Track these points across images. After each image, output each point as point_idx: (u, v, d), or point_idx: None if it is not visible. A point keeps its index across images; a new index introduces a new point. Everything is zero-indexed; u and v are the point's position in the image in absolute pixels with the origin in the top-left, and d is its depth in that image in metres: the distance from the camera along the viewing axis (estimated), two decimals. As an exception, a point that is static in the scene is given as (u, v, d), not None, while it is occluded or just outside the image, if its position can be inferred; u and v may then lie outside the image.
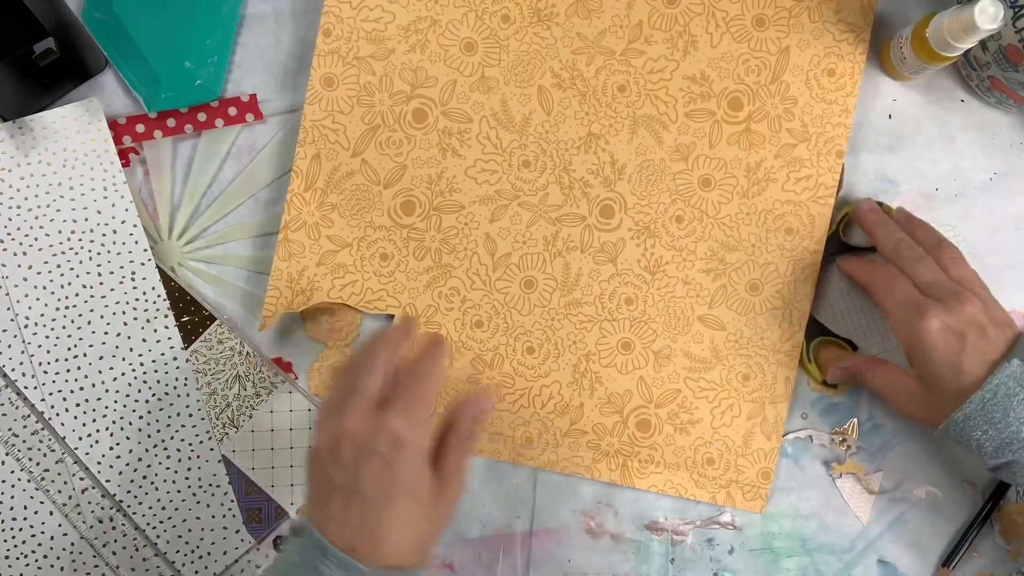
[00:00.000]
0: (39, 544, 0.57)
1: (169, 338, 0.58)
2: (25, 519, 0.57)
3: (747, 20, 0.57)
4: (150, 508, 0.57)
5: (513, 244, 0.58)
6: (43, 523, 0.57)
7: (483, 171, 0.57)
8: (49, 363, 0.57)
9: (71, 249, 0.58)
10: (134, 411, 0.58)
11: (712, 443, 0.59)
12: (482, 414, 0.46)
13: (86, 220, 0.58)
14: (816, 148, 0.57)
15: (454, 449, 0.45)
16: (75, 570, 0.57)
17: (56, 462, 0.57)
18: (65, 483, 0.57)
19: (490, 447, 0.59)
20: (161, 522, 0.58)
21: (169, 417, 0.58)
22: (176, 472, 0.58)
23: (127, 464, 0.58)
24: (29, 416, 0.57)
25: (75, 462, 0.57)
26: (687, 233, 0.58)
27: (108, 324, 0.58)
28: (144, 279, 0.58)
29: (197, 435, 0.58)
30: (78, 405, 0.57)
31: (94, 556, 0.57)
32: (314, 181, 0.56)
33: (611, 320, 0.58)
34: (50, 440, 0.57)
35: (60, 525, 0.57)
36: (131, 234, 0.58)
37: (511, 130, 0.57)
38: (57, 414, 0.57)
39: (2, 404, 0.57)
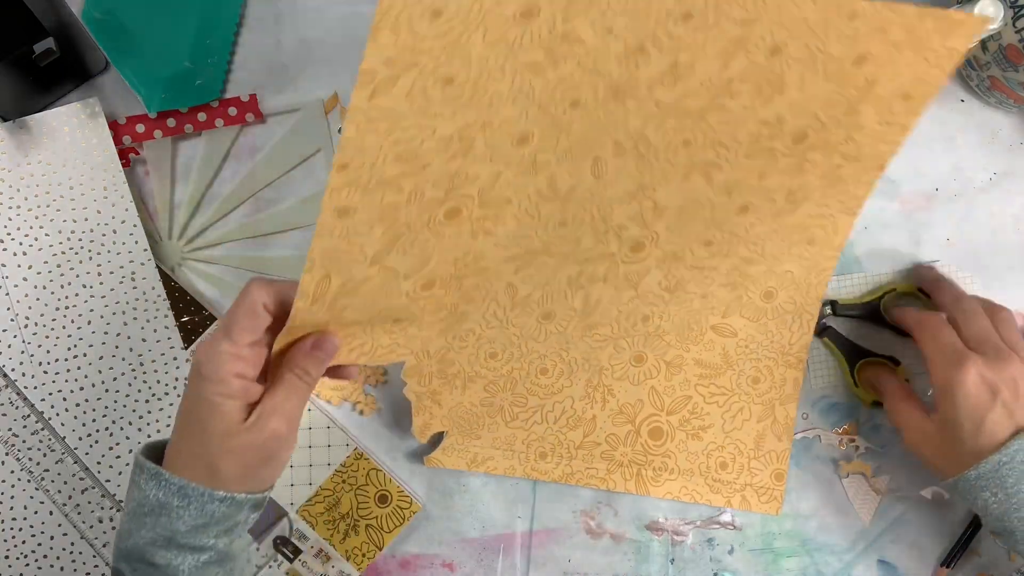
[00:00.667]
0: (39, 544, 0.57)
1: (169, 338, 0.58)
2: (25, 519, 0.57)
3: (847, 60, 0.46)
4: (150, 508, 0.57)
5: (535, 288, 0.54)
6: (43, 523, 0.57)
7: (513, 240, 0.50)
8: (49, 363, 0.57)
9: (71, 249, 0.58)
10: (134, 411, 0.58)
11: (724, 447, 0.59)
12: (316, 351, 0.45)
13: (86, 220, 0.58)
14: (862, 165, 0.52)
15: (277, 385, 0.44)
16: (75, 570, 0.57)
17: (56, 462, 0.57)
18: (65, 483, 0.57)
19: (504, 463, 0.58)
20: (161, 522, 0.58)
21: (169, 417, 0.58)
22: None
23: (127, 464, 0.58)
24: (29, 416, 0.57)
25: (75, 462, 0.57)
26: (712, 254, 0.54)
27: (108, 324, 0.58)
28: (144, 279, 0.58)
29: (197, 435, 0.58)
30: (78, 405, 0.57)
31: (94, 556, 0.57)
32: (322, 295, 0.45)
33: (626, 337, 0.57)
34: (50, 440, 0.57)
35: (60, 525, 0.57)
36: (131, 234, 0.58)
37: (553, 201, 0.49)
38: (57, 414, 0.57)
39: (2, 404, 0.57)
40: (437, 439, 0.59)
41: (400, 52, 0.38)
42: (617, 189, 0.50)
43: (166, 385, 0.58)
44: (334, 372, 0.50)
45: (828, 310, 0.59)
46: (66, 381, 0.57)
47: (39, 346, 0.57)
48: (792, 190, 0.52)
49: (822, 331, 0.59)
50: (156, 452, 0.44)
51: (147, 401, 0.58)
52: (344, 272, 0.45)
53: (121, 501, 0.57)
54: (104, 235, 0.58)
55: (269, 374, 0.45)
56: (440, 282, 0.50)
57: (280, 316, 0.44)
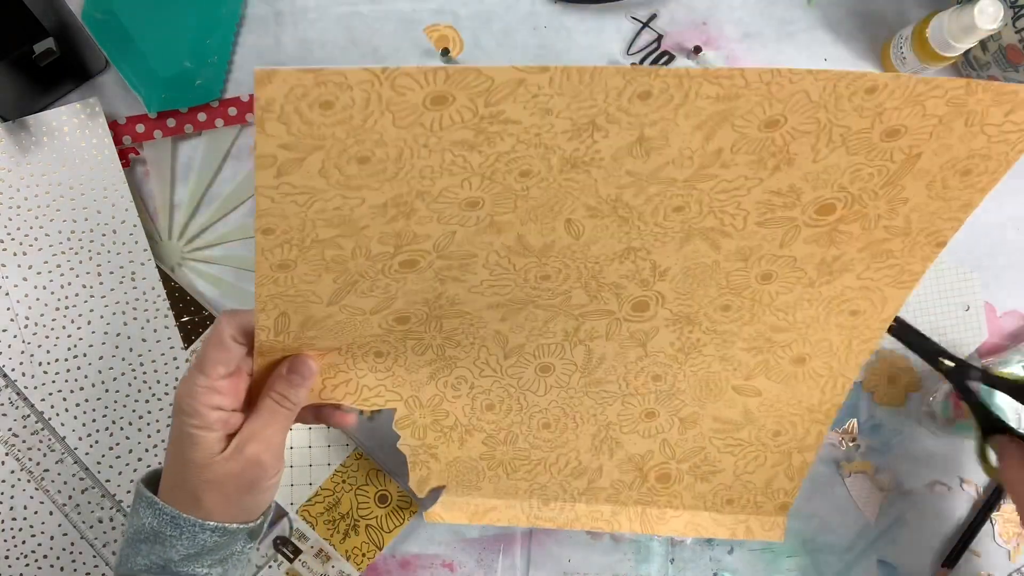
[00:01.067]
0: (39, 544, 0.57)
1: (169, 338, 0.58)
2: (25, 519, 0.57)
3: (874, 134, 0.42)
4: (150, 508, 0.57)
5: (528, 337, 0.50)
6: (43, 523, 0.57)
7: (491, 287, 0.46)
8: (49, 363, 0.57)
9: (71, 249, 0.58)
10: (134, 411, 0.58)
11: (732, 487, 0.57)
12: (292, 374, 0.45)
13: (86, 220, 0.58)
14: (913, 242, 0.47)
15: (256, 412, 0.44)
16: (75, 570, 0.57)
17: (56, 462, 0.57)
18: (65, 483, 0.57)
19: (507, 514, 0.57)
20: (161, 522, 0.57)
21: (169, 417, 0.58)
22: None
23: (127, 464, 0.58)
24: (29, 416, 0.57)
25: (75, 462, 0.57)
26: (733, 320, 0.50)
27: (108, 324, 0.58)
28: (144, 279, 0.58)
29: (197, 435, 0.58)
30: (78, 405, 0.57)
31: (94, 556, 0.57)
32: (284, 330, 0.44)
33: (635, 395, 0.53)
34: (50, 440, 0.57)
35: (60, 525, 0.57)
36: (131, 234, 0.58)
37: (527, 256, 0.45)
38: (57, 414, 0.57)
39: (2, 404, 0.57)
40: (437, 490, 0.57)
41: (297, 138, 0.36)
42: (602, 248, 0.45)
43: (166, 385, 0.58)
44: (330, 417, 0.49)
45: (976, 374, 0.56)
46: (66, 381, 0.57)
47: (39, 346, 0.57)
48: (825, 260, 0.48)
49: (964, 393, 0.56)
50: (156, 480, 0.45)
51: (147, 401, 0.58)
52: (301, 311, 0.43)
53: (121, 501, 0.57)
54: (104, 235, 0.58)
55: (252, 402, 0.45)
56: (415, 319, 0.47)
57: (252, 345, 0.45)
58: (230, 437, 0.43)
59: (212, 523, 0.42)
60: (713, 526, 0.58)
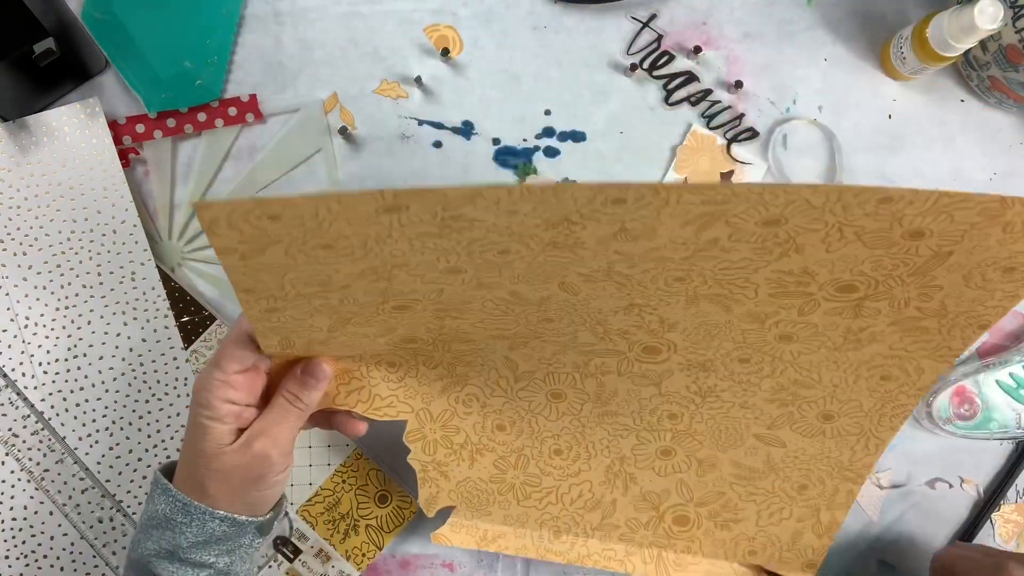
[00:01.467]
0: (39, 544, 0.57)
1: (169, 338, 0.58)
2: (25, 519, 0.57)
3: (894, 234, 0.39)
4: (150, 508, 0.58)
5: (538, 365, 0.49)
6: (43, 523, 0.57)
7: (494, 323, 0.45)
8: (49, 363, 0.57)
9: (71, 249, 0.58)
10: (134, 411, 0.58)
11: (755, 538, 0.54)
12: (306, 376, 0.46)
13: (86, 220, 0.58)
14: (952, 322, 0.44)
15: (268, 409, 0.45)
16: (75, 570, 0.57)
17: (56, 462, 0.57)
18: (65, 483, 0.57)
19: (516, 543, 0.55)
20: (161, 522, 0.58)
21: (169, 417, 0.58)
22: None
23: (127, 464, 0.58)
24: (29, 416, 0.57)
25: (75, 462, 0.57)
26: (753, 371, 0.48)
27: (108, 324, 0.58)
28: (144, 279, 0.58)
29: (197, 435, 0.58)
30: (78, 405, 0.57)
31: (94, 556, 0.57)
32: (290, 345, 0.45)
33: (650, 431, 0.51)
34: (50, 440, 0.57)
35: (60, 525, 0.57)
36: (131, 234, 0.58)
37: (525, 305, 0.43)
38: (57, 414, 0.57)
39: (2, 404, 0.57)
40: (445, 511, 0.56)
41: (252, 237, 0.35)
42: (603, 304, 0.43)
43: (166, 385, 0.58)
44: (343, 424, 0.50)
45: None
46: (66, 381, 0.57)
47: (39, 346, 0.57)
48: (851, 330, 0.45)
49: None
50: (173, 470, 0.46)
51: (147, 401, 0.58)
52: (303, 336, 0.44)
53: (121, 501, 0.57)
54: (104, 235, 0.58)
55: (268, 399, 0.46)
56: (423, 340, 0.46)
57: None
58: (242, 431, 0.44)
59: (221, 512, 0.43)
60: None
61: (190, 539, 0.43)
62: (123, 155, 0.60)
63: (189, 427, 0.45)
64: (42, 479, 0.57)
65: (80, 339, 0.58)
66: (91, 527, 0.57)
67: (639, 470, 0.53)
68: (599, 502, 0.54)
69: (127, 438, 0.58)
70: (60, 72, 0.57)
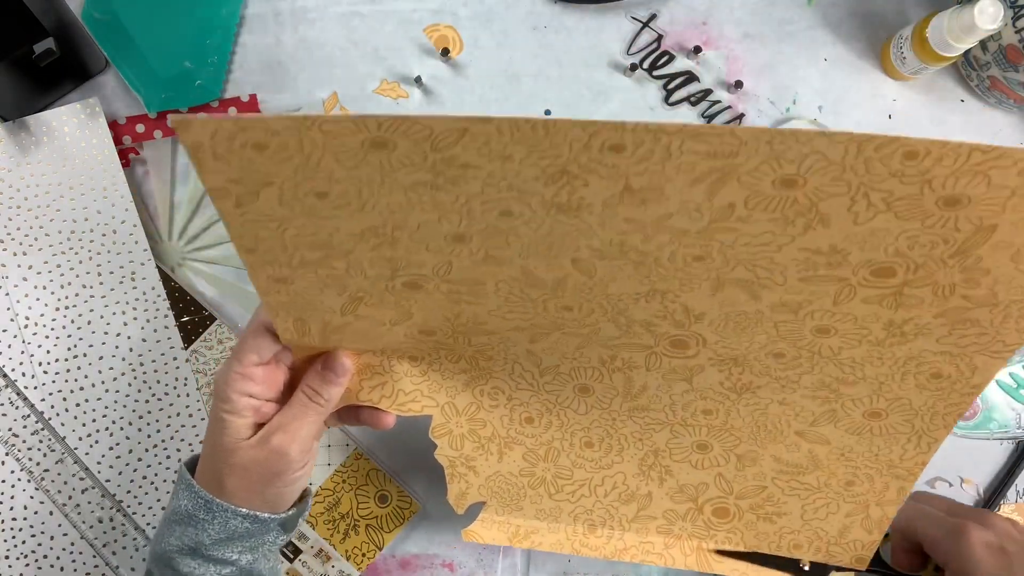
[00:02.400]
0: (39, 544, 0.57)
1: (169, 338, 0.58)
2: (25, 519, 0.57)
3: (926, 200, 0.36)
4: (150, 508, 0.57)
5: (562, 359, 0.46)
6: (43, 523, 0.57)
7: (512, 311, 0.43)
8: (49, 363, 0.57)
9: (71, 249, 0.58)
10: (134, 411, 0.58)
11: (800, 531, 0.51)
12: (326, 371, 0.45)
13: (86, 220, 0.58)
14: (1005, 312, 0.41)
15: (288, 404, 0.45)
16: (75, 570, 0.57)
17: (56, 462, 0.57)
18: (65, 483, 0.57)
19: (551, 538, 0.53)
20: (161, 522, 0.58)
21: (169, 417, 0.58)
22: (176, 472, 0.58)
23: (127, 464, 0.58)
24: (29, 416, 0.57)
25: (75, 462, 0.57)
26: (790, 367, 0.44)
27: (108, 324, 0.58)
28: (144, 279, 0.58)
29: (197, 435, 0.58)
30: (78, 405, 0.57)
31: (94, 556, 0.57)
32: (306, 332, 0.44)
33: (684, 425, 0.49)
34: (50, 440, 0.57)
35: (60, 525, 0.57)
36: (131, 234, 0.58)
37: (540, 289, 0.41)
38: (57, 414, 0.57)
39: (2, 404, 0.57)
40: (475, 506, 0.54)
41: (243, 173, 0.34)
42: (621, 287, 0.41)
43: (166, 385, 0.58)
44: (371, 418, 0.49)
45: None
46: (66, 381, 0.57)
47: (39, 346, 0.57)
48: (894, 322, 0.42)
49: None
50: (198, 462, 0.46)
51: (147, 401, 0.58)
52: (316, 318, 0.43)
53: (121, 501, 0.57)
54: (104, 235, 0.58)
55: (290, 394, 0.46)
56: (441, 332, 0.45)
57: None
58: (261, 426, 0.44)
59: (244, 510, 0.43)
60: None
61: (212, 536, 0.43)
62: (123, 155, 0.60)
63: (209, 421, 0.45)
64: (42, 479, 0.57)
65: (80, 339, 0.58)
66: (91, 527, 0.57)
67: (675, 463, 0.50)
68: (634, 495, 0.52)
69: (127, 438, 0.58)
70: (60, 72, 0.57)
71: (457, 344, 0.46)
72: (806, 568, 0.53)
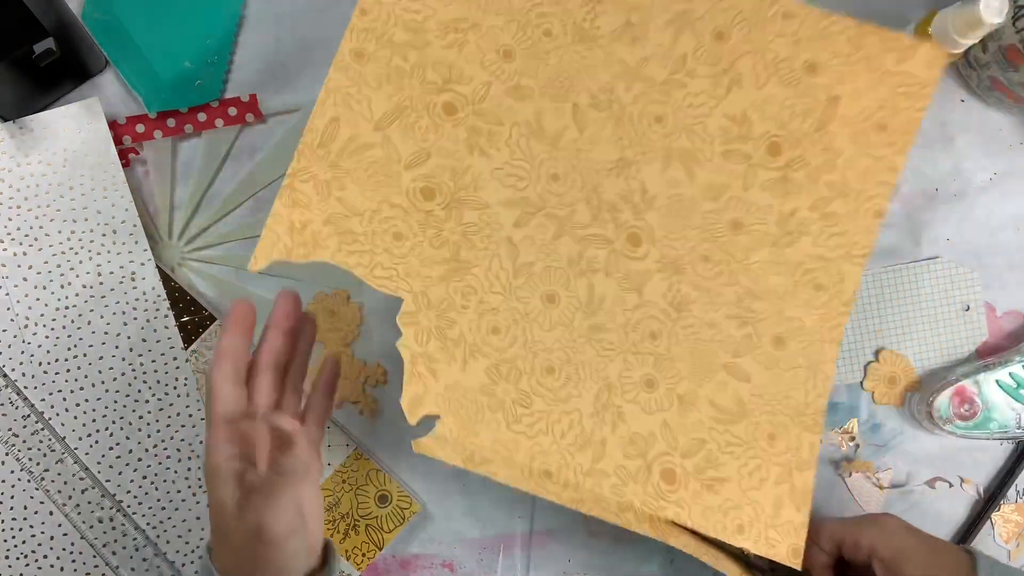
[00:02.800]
0: (39, 544, 0.57)
1: (169, 338, 0.58)
2: (25, 519, 0.57)
3: (797, 64, 0.52)
4: (150, 508, 0.57)
5: (537, 255, 0.54)
6: (43, 523, 0.57)
7: (510, 175, 0.53)
8: (49, 363, 0.57)
9: (71, 249, 0.58)
10: (134, 411, 0.58)
11: (742, 507, 0.54)
12: (277, 441, 0.45)
13: (86, 220, 0.58)
14: (854, 204, 0.53)
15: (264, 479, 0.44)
16: (75, 570, 0.57)
17: (56, 462, 0.57)
18: (65, 483, 0.57)
19: (506, 472, 0.53)
20: (161, 522, 0.57)
21: (169, 417, 0.58)
22: (176, 472, 0.58)
23: (127, 464, 0.58)
24: (29, 416, 0.57)
25: (75, 462, 0.57)
26: (714, 275, 0.54)
27: (108, 324, 0.58)
28: (144, 279, 0.58)
29: (197, 435, 0.58)
30: (78, 405, 0.57)
31: (94, 556, 0.57)
32: (329, 141, 0.52)
33: (635, 353, 0.54)
34: (50, 440, 0.57)
35: (60, 525, 0.57)
36: (131, 234, 0.58)
37: (542, 141, 0.53)
38: (57, 414, 0.57)
39: (2, 404, 0.57)
40: (428, 424, 0.54)
41: None
42: (601, 152, 0.53)
43: (166, 385, 0.58)
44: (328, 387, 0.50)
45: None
46: (66, 381, 0.57)
47: (39, 346, 0.57)
48: (783, 215, 0.53)
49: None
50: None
51: (147, 401, 0.58)
52: (351, 123, 0.51)
53: (121, 501, 0.57)
54: (104, 235, 0.58)
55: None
56: (440, 194, 0.52)
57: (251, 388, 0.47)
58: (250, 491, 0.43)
59: None
60: (725, 560, 0.54)
61: None
62: (123, 155, 0.60)
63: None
64: (42, 479, 0.57)
65: (80, 339, 0.58)
66: (91, 527, 0.57)
67: (626, 403, 0.54)
68: (589, 440, 0.54)
69: (127, 438, 0.58)
70: (60, 72, 0.57)
71: (448, 222, 0.52)
72: (751, 556, 0.55)
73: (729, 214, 0.54)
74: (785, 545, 0.54)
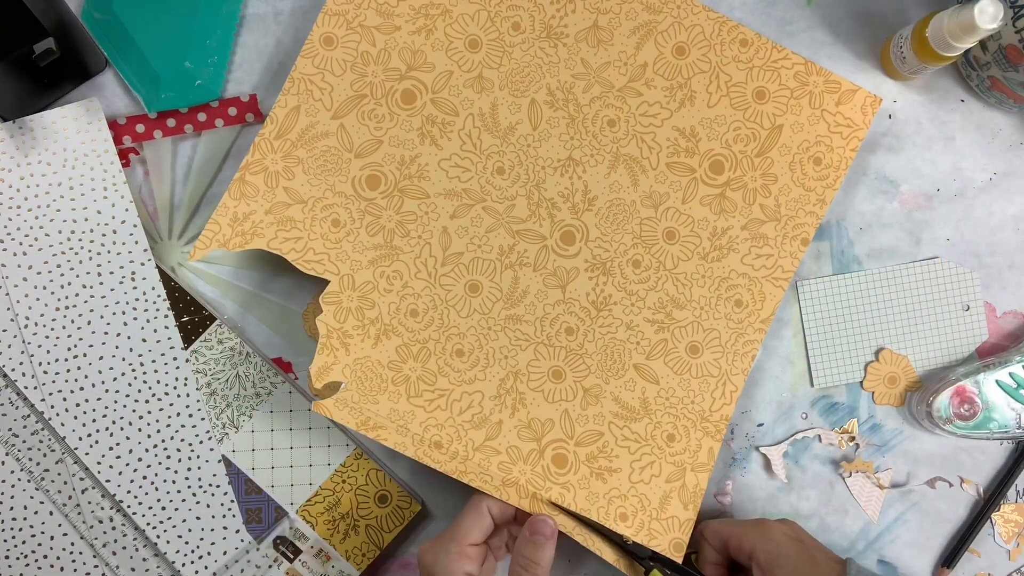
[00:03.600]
0: (39, 544, 0.57)
1: (169, 338, 0.58)
2: (25, 519, 0.57)
3: (748, 90, 0.56)
4: (150, 508, 0.57)
5: (468, 245, 0.56)
6: (43, 523, 0.57)
7: (456, 166, 0.56)
8: (49, 363, 0.57)
9: (71, 249, 0.58)
10: (134, 411, 0.58)
11: (627, 497, 0.56)
12: (535, 535, 0.50)
13: (86, 220, 0.58)
14: (783, 230, 0.57)
15: None
16: (75, 570, 0.57)
17: (56, 462, 0.57)
18: (65, 483, 0.57)
19: (396, 438, 0.55)
20: (161, 522, 0.57)
21: (169, 417, 0.58)
22: (176, 472, 0.58)
23: (127, 464, 0.58)
24: (29, 416, 0.57)
25: (75, 462, 0.57)
26: (641, 280, 0.57)
27: (108, 324, 0.58)
28: (144, 279, 0.58)
29: (197, 435, 0.58)
30: (78, 405, 0.57)
31: (94, 556, 0.57)
32: (287, 131, 0.55)
33: (548, 345, 0.56)
34: (50, 440, 0.57)
35: (60, 525, 0.57)
36: (131, 234, 0.58)
37: (494, 134, 0.56)
38: (57, 414, 0.57)
39: (2, 404, 0.57)
40: (332, 390, 0.55)
41: None
42: (550, 149, 0.56)
43: (166, 385, 0.58)
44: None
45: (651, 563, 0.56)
46: (66, 381, 0.57)
47: (39, 346, 0.57)
48: (716, 231, 0.57)
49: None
50: None
51: (147, 401, 0.58)
52: (311, 112, 0.55)
53: (121, 501, 0.57)
54: (104, 235, 0.58)
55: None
56: (384, 183, 0.55)
57: (500, 525, 0.53)
58: None
59: None
60: (599, 542, 0.55)
61: None
62: (123, 155, 0.60)
63: None
64: (42, 479, 0.57)
65: (80, 339, 0.58)
66: (91, 527, 0.57)
67: (530, 391, 0.56)
68: (486, 419, 0.56)
69: (127, 438, 0.58)
70: (60, 72, 0.57)
71: (387, 209, 0.56)
72: (629, 543, 0.56)
73: (666, 223, 0.57)
74: (667, 538, 0.56)
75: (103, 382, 0.58)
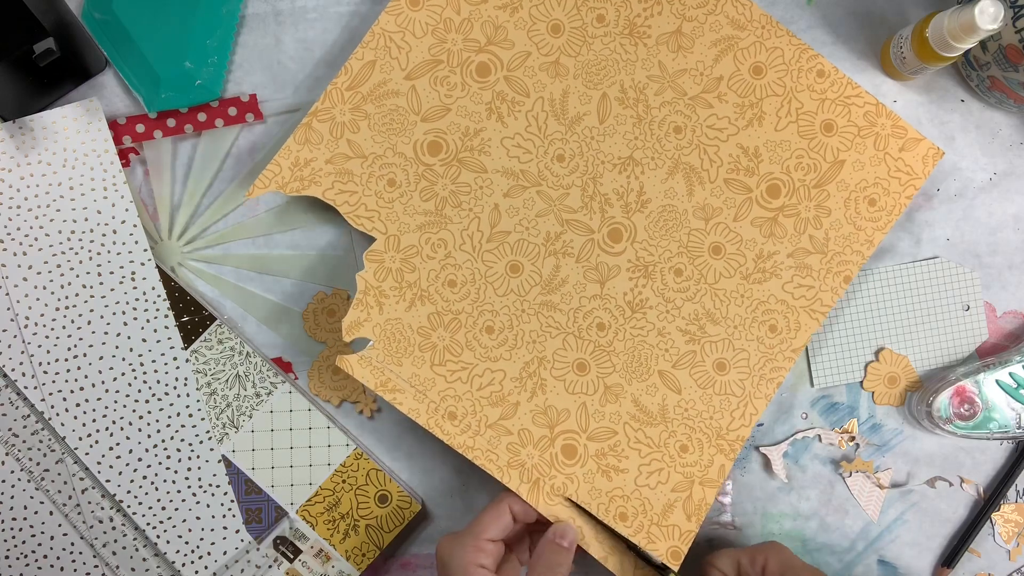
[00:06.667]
0: (39, 544, 0.57)
1: (169, 338, 0.58)
2: (25, 519, 0.57)
3: (817, 120, 0.56)
4: (150, 508, 0.57)
5: (516, 226, 0.56)
6: (43, 523, 0.57)
7: (518, 146, 0.56)
8: (49, 363, 0.57)
9: (71, 249, 0.58)
10: (134, 411, 0.58)
11: (630, 498, 0.56)
12: (561, 541, 0.51)
13: (86, 220, 0.58)
14: (828, 265, 0.57)
15: None
16: (75, 570, 0.57)
17: (56, 462, 0.57)
18: (65, 483, 0.57)
19: (410, 404, 0.55)
20: (161, 522, 0.58)
21: (169, 417, 0.58)
22: (176, 472, 0.58)
23: (127, 464, 0.58)
24: (29, 416, 0.57)
25: (75, 462, 0.57)
26: (680, 289, 0.56)
27: (108, 324, 0.58)
28: (144, 279, 0.58)
29: (197, 435, 0.58)
30: (78, 405, 0.57)
31: (94, 556, 0.57)
32: (359, 84, 0.55)
33: (577, 336, 0.56)
34: (50, 440, 0.57)
35: (60, 525, 0.57)
36: (131, 234, 0.58)
37: (561, 121, 0.56)
38: (57, 414, 0.57)
39: (2, 404, 0.57)
40: (362, 342, 0.56)
41: None
42: (612, 145, 0.56)
43: (166, 385, 0.58)
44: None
45: None
46: (66, 381, 0.57)
47: (39, 346, 0.57)
48: (762, 255, 0.56)
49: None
50: None
51: (147, 401, 0.58)
52: (385, 70, 0.56)
53: (121, 501, 0.57)
54: (104, 235, 0.58)
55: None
56: (445, 150, 0.56)
57: (520, 526, 0.54)
58: None
59: None
60: (594, 542, 0.55)
61: None
62: (123, 155, 0.60)
63: None
64: (42, 479, 0.57)
65: (80, 339, 0.58)
66: (91, 527, 0.57)
67: (552, 378, 0.56)
68: (504, 399, 0.56)
69: (127, 438, 0.58)
70: (60, 72, 0.57)
71: (445, 176, 0.56)
72: (648, 556, 0.56)
73: (714, 237, 0.56)
74: (666, 544, 0.56)
75: (103, 382, 0.58)
